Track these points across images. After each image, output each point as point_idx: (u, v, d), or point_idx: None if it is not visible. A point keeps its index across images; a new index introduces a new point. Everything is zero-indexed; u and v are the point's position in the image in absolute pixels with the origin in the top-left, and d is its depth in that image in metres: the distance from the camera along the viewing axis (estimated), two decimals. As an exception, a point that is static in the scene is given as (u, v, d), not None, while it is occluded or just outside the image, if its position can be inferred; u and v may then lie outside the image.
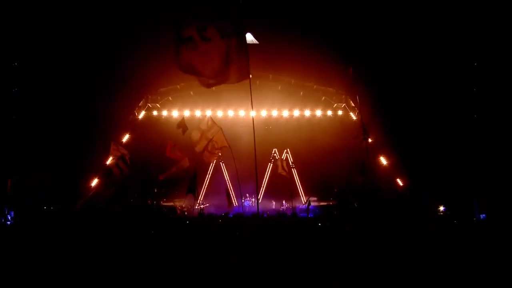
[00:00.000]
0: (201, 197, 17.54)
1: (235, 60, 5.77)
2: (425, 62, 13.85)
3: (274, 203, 17.76)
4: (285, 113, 19.59)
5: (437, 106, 14.35)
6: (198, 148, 9.32)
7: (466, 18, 11.62)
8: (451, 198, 12.96)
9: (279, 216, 12.36)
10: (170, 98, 19.52)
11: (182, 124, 10.97)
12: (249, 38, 18.49)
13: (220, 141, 9.15)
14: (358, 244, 6.01)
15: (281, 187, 16.35)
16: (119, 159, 11.00)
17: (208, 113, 18.00)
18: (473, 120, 13.51)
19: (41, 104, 13.15)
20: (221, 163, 18.97)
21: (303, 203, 14.99)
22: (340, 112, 19.70)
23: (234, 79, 6.09)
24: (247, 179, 17.56)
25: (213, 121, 9.46)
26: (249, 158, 17.11)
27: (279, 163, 13.63)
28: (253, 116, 6.74)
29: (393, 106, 15.58)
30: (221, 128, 9.73)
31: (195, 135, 9.39)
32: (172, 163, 11.32)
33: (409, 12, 12.02)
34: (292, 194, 14.73)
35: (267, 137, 18.77)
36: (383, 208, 12.09)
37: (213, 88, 18.36)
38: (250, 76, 6.05)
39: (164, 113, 19.22)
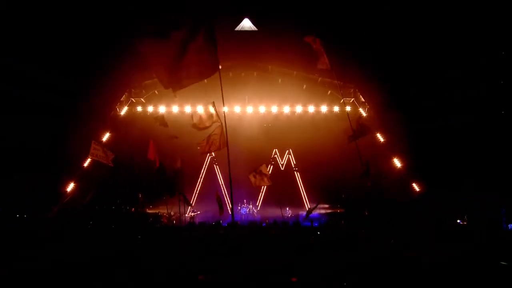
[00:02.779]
0: (192, 204, 17.53)
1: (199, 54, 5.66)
2: (427, 61, 14.39)
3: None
4: (287, 109, 19.44)
5: (437, 106, 14.92)
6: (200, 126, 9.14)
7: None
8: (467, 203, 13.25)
9: (277, 225, 12.35)
10: (156, 91, 19.33)
11: (160, 119, 11.14)
12: (247, 24, 18.56)
13: (219, 139, 8.93)
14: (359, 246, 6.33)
15: (282, 192, 16.36)
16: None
17: (200, 109, 17.96)
18: (481, 119, 13.96)
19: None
20: (215, 165, 18.97)
21: (310, 209, 15.02)
22: (348, 108, 19.72)
23: (201, 76, 5.95)
24: (245, 183, 17.61)
25: (217, 113, 9.20)
26: (246, 160, 17.39)
27: (252, 178, 12.95)
28: (224, 112, 6.71)
29: (396, 105, 16.02)
30: (222, 124, 9.55)
31: (196, 118, 9.22)
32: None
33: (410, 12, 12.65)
34: (281, 204, 14.69)
35: (266, 136, 18.73)
36: (392, 213, 12.26)
37: (205, 81, 18.69)
38: (220, 67, 5.99)
39: (150, 108, 19.15)
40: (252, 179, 12.85)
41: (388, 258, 5.19)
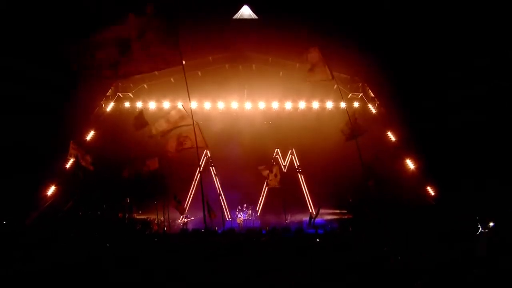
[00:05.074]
0: (185, 209, 17.40)
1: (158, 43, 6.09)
2: (427, 61, 14.52)
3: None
4: (289, 105, 19.26)
5: (451, 104, 14.96)
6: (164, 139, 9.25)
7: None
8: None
9: (278, 232, 12.28)
10: (145, 86, 19.25)
11: (140, 118, 11.16)
12: (247, 12, 18.44)
13: (191, 139, 8.89)
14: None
15: (285, 195, 16.21)
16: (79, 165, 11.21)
17: (194, 105, 17.83)
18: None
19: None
20: (211, 167, 18.84)
21: (312, 215, 14.94)
22: (356, 104, 19.60)
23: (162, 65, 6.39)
24: (242, 187, 17.51)
25: (186, 112, 9.27)
26: (246, 160, 17.25)
27: (270, 176, 13.71)
28: (192, 109, 6.84)
29: (408, 101, 16.05)
30: (197, 123, 9.49)
31: (161, 126, 9.23)
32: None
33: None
34: (286, 208, 14.67)
35: (267, 135, 18.52)
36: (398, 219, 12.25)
37: (199, 73, 18.66)
38: (184, 62, 6.37)
39: (139, 104, 19.00)
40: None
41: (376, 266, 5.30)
